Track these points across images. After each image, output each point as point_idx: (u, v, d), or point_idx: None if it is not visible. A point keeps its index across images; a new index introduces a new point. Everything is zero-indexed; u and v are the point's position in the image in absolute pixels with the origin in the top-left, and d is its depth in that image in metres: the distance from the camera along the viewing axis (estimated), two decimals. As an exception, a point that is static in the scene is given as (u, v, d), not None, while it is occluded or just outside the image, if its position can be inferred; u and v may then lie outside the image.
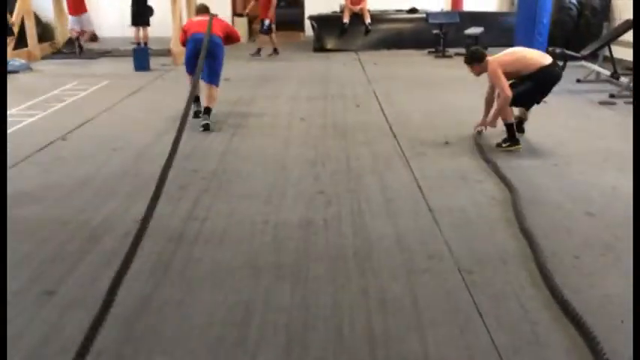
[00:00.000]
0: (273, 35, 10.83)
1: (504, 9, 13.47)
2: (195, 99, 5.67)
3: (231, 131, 5.56)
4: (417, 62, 10.10)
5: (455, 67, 9.20)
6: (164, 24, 10.81)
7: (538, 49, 8.43)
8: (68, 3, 10.86)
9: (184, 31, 5.97)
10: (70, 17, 10.97)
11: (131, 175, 4.30)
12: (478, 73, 5.03)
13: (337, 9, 12.51)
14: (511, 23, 11.69)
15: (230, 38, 6.03)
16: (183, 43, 5.95)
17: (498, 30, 11.45)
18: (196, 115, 5.82)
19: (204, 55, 5.21)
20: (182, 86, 7.81)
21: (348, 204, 3.75)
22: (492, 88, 5.02)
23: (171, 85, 8.06)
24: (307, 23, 12.63)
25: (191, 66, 5.58)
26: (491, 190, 3.96)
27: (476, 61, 4.94)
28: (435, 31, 10.73)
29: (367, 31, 11.58)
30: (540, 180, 4.16)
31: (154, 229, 3.14)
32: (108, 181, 4.19)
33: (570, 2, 9.35)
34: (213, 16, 5.84)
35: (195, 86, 5.07)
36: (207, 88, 5.75)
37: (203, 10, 6.21)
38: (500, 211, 3.62)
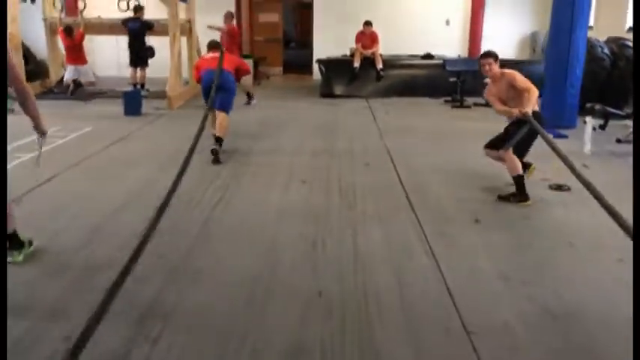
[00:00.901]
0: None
1: (524, 57, 12.76)
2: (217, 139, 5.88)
3: (217, 196, 4.68)
4: (432, 112, 9.26)
5: (475, 119, 8.41)
6: (164, 65, 10.18)
7: (570, 103, 7.75)
8: (67, 51, 10.03)
9: (197, 68, 6.36)
10: (67, 66, 10.10)
11: (73, 267, 3.39)
12: (492, 74, 4.67)
13: (347, 52, 11.82)
14: (534, 72, 11.01)
15: (240, 71, 6.43)
16: (198, 80, 6.35)
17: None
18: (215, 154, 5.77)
19: (215, 89, 5.55)
20: (172, 134, 7.09)
21: (354, 314, 2.82)
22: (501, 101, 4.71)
23: (161, 132, 7.28)
24: (316, 66, 11.95)
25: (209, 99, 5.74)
26: (542, 297, 3.01)
27: (494, 57, 4.66)
28: (451, 79, 9.96)
29: (379, 77, 10.84)
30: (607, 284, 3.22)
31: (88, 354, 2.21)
32: (51, 264, 3.31)
33: (603, 52, 8.55)
34: (224, 51, 6.20)
35: (205, 118, 4.86)
36: (218, 115, 6.03)
37: (214, 45, 6.47)
38: (561, 330, 2.67)
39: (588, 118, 6.38)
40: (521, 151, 4.65)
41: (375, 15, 11.52)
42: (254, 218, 4.19)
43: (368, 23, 10.75)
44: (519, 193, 4.48)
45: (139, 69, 10.36)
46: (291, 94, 11.10)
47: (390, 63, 11.02)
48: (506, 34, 12.74)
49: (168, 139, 6.71)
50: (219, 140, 5.86)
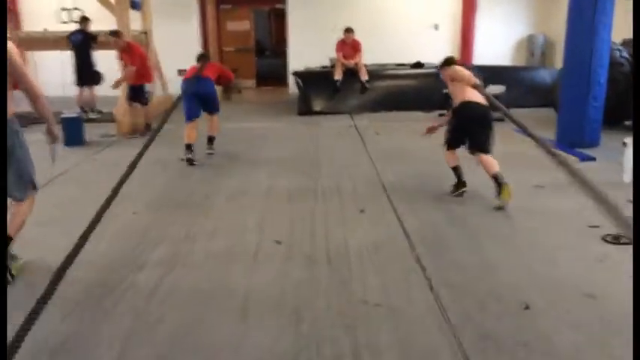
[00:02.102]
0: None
1: (521, 62, 11.64)
2: (187, 147, 6.05)
3: (156, 274, 3.32)
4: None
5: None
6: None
7: (594, 119, 6.57)
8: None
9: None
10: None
11: None
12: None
13: (327, 63, 10.57)
14: (537, 80, 9.90)
15: (223, 77, 6.63)
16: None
17: (522, 88, 9.57)
18: (190, 162, 5.98)
19: (188, 97, 6.11)
20: (112, 173, 5.72)
21: None
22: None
23: (104, 170, 5.87)
24: (292, 78, 10.66)
25: (189, 110, 6.13)
26: None
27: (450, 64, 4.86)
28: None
29: (364, 90, 9.59)
30: None
31: None
32: None
33: (621, 56, 7.41)
34: (207, 61, 6.44)
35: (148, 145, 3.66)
36: (210, 119, 6.48)
37: (200, 57, 6.49)
38: None
39: (628, 140, 5.19)
40: (449, 141, 4.80)
41: (357, 21, 10.30)
42: (208, 318, 2.84)
43: (349, 30, 9.49)
44: (501, 188, 4.38)
45: (86, 88, 8.95)
46: (264, 111, 9.79)
47: (376, 74, 9.80)
48: (501, 38, 11.64)
49: (105, 182, 5.32)
50: (211, 140, 6.49)
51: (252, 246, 3.76)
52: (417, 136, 7.35)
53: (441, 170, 5.12)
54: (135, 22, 9.37)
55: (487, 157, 4.53)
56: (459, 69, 4.76)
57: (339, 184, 5.20)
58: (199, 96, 6.15)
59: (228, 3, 12.81)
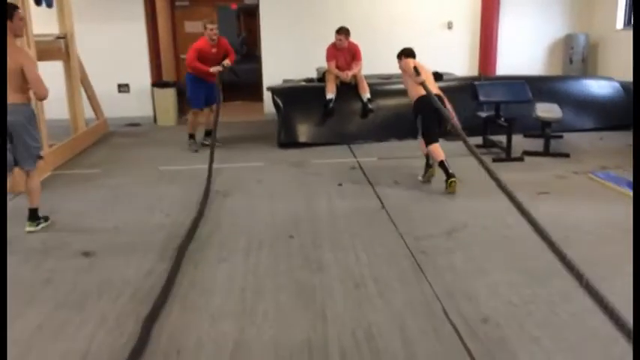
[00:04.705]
0: None
1: (557, 70, 9.29)
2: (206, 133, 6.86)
3: None
4: (471, 175, 5.08)
5: (556, 189, 4.85)
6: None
7: None
8: None
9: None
10: None
11: None
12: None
13: (314, 74, 8.07)
14: (595, 94, 7.60)
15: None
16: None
17: (573, 105, 7.27)
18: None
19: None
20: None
21: None
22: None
23: None
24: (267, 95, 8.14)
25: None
26: None
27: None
28: (484, 114, 6.34)
29: (366, 112, 7.13)
30: None
31: None
32: None
33: None
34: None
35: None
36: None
37: None
38: None
39: None
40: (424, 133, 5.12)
41: (349, 19, 7.83)
42: None
43: (344, 31, 6.97)
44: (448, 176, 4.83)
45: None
46: (232, 142, 7.23)
47: (381, 89, 7.35)
48: (530, 39, 9.25)
49: None
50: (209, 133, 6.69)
51: None
52: (458, 189, 4.92)
53: (528, 270, 2.66)
54: (50, 24, 6.78)
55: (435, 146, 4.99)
56: (410, 62, 5.21)
57: (361, 318, 2.70)
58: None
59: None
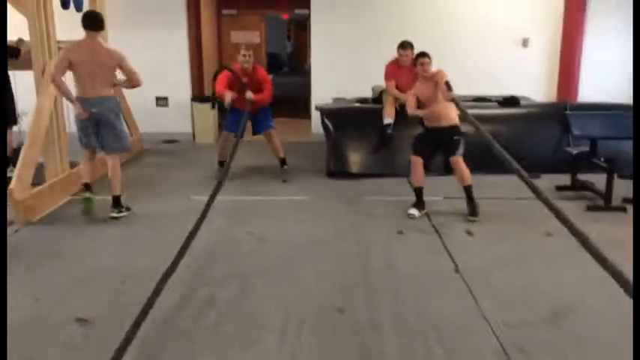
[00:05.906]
0: None
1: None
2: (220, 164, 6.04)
3: None
4: (560, 228, 4.29)
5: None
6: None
7: None
8: None
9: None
10: None
11: None
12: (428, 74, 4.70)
13: (369, 94, 7.18)
14: None
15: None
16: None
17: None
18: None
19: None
20: None
21: None
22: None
23: None
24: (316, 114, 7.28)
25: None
26: None
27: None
28: (575, 151, 5.27)
29: (428, 139, 6.16)
30: None
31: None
32: None
33: None
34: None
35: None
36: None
37: None
38: None
39: None
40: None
41: (410, 34, 6.86)
42: None
43: (408, 46, 6.05)
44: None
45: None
46: (274, 168, 6.39)
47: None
48: (620, 59, 8.03)
49: None
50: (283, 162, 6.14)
51: None
52: (541, 251, 3.93)
53: None
54: (78, 28, 6.14)
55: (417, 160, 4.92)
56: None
57: None
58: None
59: (233, 7, 9.56)
